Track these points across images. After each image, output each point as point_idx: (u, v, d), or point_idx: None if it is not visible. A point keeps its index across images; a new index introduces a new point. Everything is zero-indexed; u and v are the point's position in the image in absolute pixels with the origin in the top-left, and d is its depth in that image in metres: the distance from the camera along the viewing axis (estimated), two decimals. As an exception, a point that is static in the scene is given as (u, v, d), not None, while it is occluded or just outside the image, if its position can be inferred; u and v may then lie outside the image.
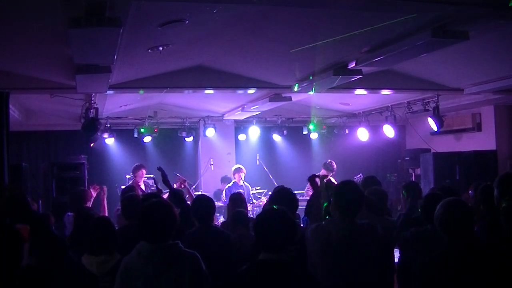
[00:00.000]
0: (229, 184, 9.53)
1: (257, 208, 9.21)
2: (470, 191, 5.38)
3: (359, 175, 9.15)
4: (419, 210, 4.47)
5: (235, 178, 9.57)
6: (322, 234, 3.64)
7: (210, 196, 4.98)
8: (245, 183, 9.64)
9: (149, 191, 8.16)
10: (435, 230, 3.75)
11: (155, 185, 7.08)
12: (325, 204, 5.03)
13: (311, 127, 11.63)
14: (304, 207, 4.83)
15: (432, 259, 3.08)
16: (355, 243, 3.59)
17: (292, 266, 2.96)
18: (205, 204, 4.63)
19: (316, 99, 9.11)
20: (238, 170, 9.58)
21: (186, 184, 7.04)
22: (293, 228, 3.04)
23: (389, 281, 4.14)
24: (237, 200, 5.56)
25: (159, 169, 5.82)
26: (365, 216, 4.18)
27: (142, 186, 8.81)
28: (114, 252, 3.78)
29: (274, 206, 3.38)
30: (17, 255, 2.64)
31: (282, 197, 4.34)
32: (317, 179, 5.20)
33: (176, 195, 5.38)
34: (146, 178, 9.16)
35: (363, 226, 3.72)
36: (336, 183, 8.65)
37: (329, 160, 10.07)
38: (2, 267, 2.52)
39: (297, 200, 4.50)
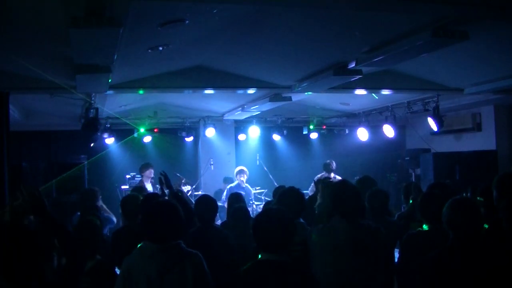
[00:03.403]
0: (232, 184, 9.52)
1: (257, 209, 9.20)
2: (468, 194, 5.38)
3: (356, 178, 9.10)
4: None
5: (237, 180, 9.56)
6: (328, 234, 3.64)
7: (213, 197, 4.98)
8: (247, 185, 9.63)
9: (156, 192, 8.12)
10: (431, 230, 3.77)
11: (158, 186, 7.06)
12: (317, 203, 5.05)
13: (311, 127, 11.65)
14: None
15: (435, 256, 3.09)
16: (360, 244, 3.59)
17: (292, 266, 2.95)
18: (208, 204, 4.65)
19: (316, 99, 9.11)
20: (241, 172, 9.56)
21: (181, 187, 7.01)
22: (291, 228, 3.03)
23: (389, 282, 4.15)
24: (234, 198, 5.60)
25: (163, 174, 5.71)
26: (365, 217, 4.18)
27: (149, 186, 8.75)
28: (95, 254, 3.80)
29: (272, 207, 3.38)
30: (37, 255, 2.63)
31: (291, 197, 4.34)
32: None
33: (176, 195, 5.38)
34: (153, 179, 9.12)
35: (369, 228, 3.72)
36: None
37: (328, 160, 10.06)
38: (22, 268, 2.51)
39: (305, 200, 4.52)
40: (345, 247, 3.57)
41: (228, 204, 5.82)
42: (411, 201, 5.28)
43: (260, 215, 3.17)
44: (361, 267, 3.57)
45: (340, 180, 4.23)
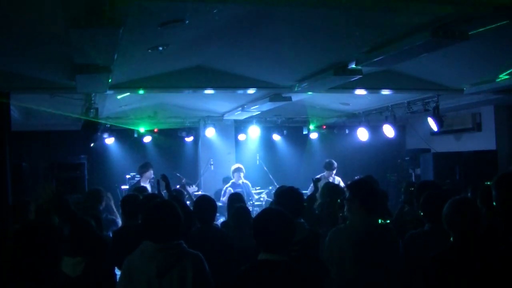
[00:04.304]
0: (228, 185, 9.55)
1: (257, 208, 9.20)
2: (469, 194, 5.38)
3: (356, 177, 9.12)
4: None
5: (234, 178, 9.59)
6: (342, 236, 3.63)
7: (212, 197, 4.98)
8: (245, 181, 9.65)
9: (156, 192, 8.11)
10: (432, 230, 3.78)
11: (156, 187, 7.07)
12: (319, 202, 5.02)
13: (311, 127, 11.65)
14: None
15: (436, 256, 3.10)
16: (374, 244, 3.58)
17: (292, 266, 2.95)
18: (207, 204, 4.65)
19: (316, 99, 9.10)
20: (237, 170, 9.60)
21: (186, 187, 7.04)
22: (291, 228, 3.03)
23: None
24: (235, 198, 5.61)
25: (163, 177, 5.63)
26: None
27: (148, 187, 8.72)
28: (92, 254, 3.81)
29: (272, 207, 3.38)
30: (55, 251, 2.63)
31: (290, 197, 4.34)
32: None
33: (175, 197, 5.39)
34: (153, 179, 9.12)
35: (384, 228, 3.71)
36: (342, 183, 8.71)
37: (328, 160, 10.07)
38: (42, 262, 2.52)
39: (303, 200, 4.52)
40: (360, 247, 3.55)
41: (228, 205, 5.81)
42: (402, 203, 5.27)
43: (260, 215, 3.18)
44: (375, 267, 3.55)
45: (358, 179, 4.19)
